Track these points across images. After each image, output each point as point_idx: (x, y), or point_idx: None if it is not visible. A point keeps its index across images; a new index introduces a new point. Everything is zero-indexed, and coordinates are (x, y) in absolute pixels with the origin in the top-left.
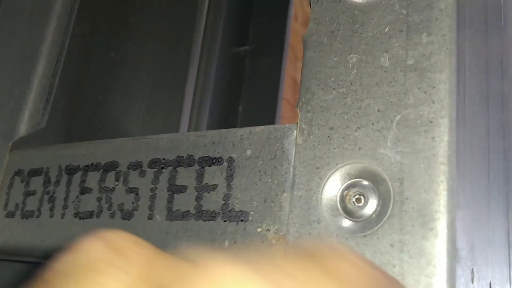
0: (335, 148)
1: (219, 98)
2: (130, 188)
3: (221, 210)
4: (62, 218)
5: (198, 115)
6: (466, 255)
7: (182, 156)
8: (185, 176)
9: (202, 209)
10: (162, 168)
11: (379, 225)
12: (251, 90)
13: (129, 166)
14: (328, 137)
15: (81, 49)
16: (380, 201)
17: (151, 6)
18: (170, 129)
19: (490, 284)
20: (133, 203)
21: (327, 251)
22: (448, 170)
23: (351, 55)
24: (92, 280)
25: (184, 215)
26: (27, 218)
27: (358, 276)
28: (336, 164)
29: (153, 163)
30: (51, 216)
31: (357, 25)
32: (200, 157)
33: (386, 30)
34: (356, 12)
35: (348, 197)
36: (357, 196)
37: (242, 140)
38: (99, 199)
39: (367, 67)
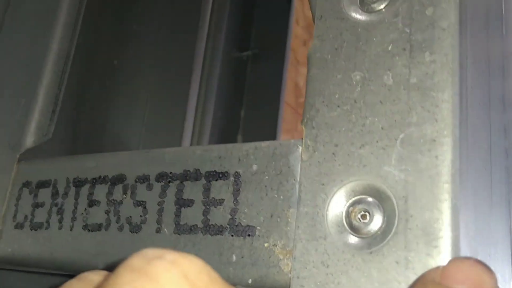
0: (340, 165)
1: (221, 102)
2: (138, 201)
3: (228, 225)
4: (71, 230)
5: (201, 120)
6: None
7: (189, 170)
8: (192, 190)
9: (209, 223)
10: (169, 182)
11: (384, 242)
12: (253, 94)
13: (137, 180)
14: (333, 153)
15: (85, 59)
16: (385, 218)
17: (154, 13)
18: (173, 134)
19: None
20: (141, 216)
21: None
22: (451, 189)
23: (354, 73)
24: None
25: (192, 229)
26: (36, 230)
27: None
28: (341, 180)
29: (160, 176)
30: (60, 228)
31: (360, 43)
32: (206, 171)
33: (389, 48)
34: (359, 29)
35: (353, 214)
36: (362, 213)
37: (248, 155)
38: (107, 212)
39: (371, 84)
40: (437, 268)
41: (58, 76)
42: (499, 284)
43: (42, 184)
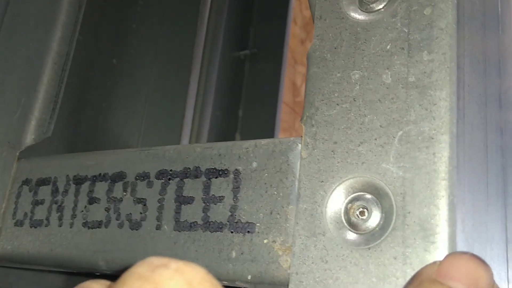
0: (339, 162)
1: (220, 101)
2: (138, 198)
3: (228, 222)
4: (71, 227)
5: (200, 118)
6: None
7: (189, 168)
8: (192, 188)
9: (209, 220)
10: (170, 179)
11: (382, 238)
12: (251, 93)
13: (137, 177)
14: (332, 151)
15: (85, 57)
16: (383, 214)
17: (153, 12)
18: (172, 132)
19: None
20: (141, 213)
21: None
22: (448, 185)
23: (353, 71)
24: None
25: (192, 226)
26: (35, 227)
27: None
28: (340, 177)
29: (161, 174)
30: (60, 225)
31: (359, 42)
32: (206, 168)
33: (388, 47)
34: (358, 29)
35: (352, 210)
36: (361, 209)
37: (248, 153)
38: (107, 209)
39: (370, 83)
40: (434, 263)
41: (58, 74)
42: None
43: (42, 182)
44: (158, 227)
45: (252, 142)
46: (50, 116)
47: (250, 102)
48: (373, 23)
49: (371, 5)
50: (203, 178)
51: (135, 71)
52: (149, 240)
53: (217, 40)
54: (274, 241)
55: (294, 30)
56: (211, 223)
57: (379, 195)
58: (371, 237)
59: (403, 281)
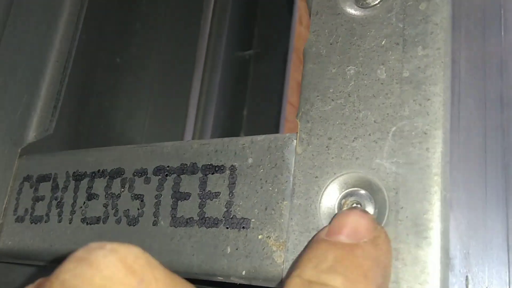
0: (333, 158)
1: (224, 102)
2: (136, 194)
3: (224, 217)
4: (70, 223)
5: (203, 119)
6: (460, 263)
7: (186, 164)
8: (189, 184)
9: (205, 216)
10: (167, 175)
11: None
12: (255, 94)
13: (135, 173)
14: (327, 147)
15: (88, 55)
16: (377, 210)
17: (156, 11)
18: (175, 133)
19: None
20: (138, 209)
21: None
22: (441, 181)
23: (349, 67)
24: None
25: (188, 222)
26: (36, 223)
27: None
28: (334, 173)
29: (158, 170)
30: (59, 221)
31: (355, 38)
32: (203, 165)
33: (383, 43)
34: (354, 25)
35: (345, 206)
36: (355, 205)
37: (244, 149)
38: (105, 205)
39: (364, 79)
40: (326, 226)
41: (60, 72)
42: (494, 280)
43: (43, 178)
44: (155, 223)
45: (248, 138)
46: (51, 114)
47: (254, 103)
48: (369, 19)
49: (367, 1)
50: (200, 174)
51: (138, 70)
52: (146, 235)
53: (220, 40)
54: (268, 237)
55: (299, 30)
56: (207, 218)
57: (373, 190)
58: None
59: (395, 277)
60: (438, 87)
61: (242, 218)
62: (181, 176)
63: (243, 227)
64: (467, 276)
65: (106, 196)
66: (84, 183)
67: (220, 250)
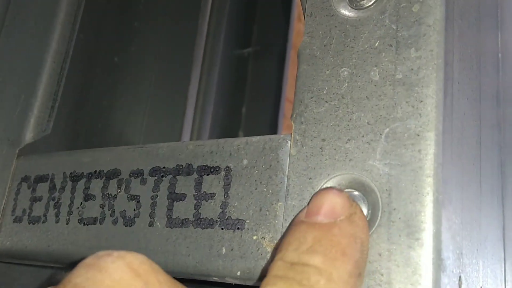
0: (327, 159)
1: (222, 99)
2: (132, 195)
3: (219, 218)
4: (67, 224)
5: (201, 117)
6: (453, 264)
7: (182, 165)
8: (184, 185)
9: (201, 217)
10: (162, 176)
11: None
12: (254, 91)
13: (131, 174)
14: (321, 148)
15: (85, 55)
16: (370, 211)
17: (154, 9)
18: (173, 131)
19: None
20: (134, 210)
21: None
22: (434, 183)
23: (342, 69)
24: None
25: (183, 223)
26: (33, 223)
27: None
28: (328, 174)
29: (154, 171)
30: (57, 221)
31: (348, 39)
32: (198, 166)
33: (376, 44)
34: (348, 26)
35: None
36: None
37: (239, 150)
38: (102, 206)
39: (358, 80)
40: (304, 207)
41: (57, 72)
42: (489, 279)
43: (40, 179)
44: (151, 224)
45: (243, 139)
46: (49, 114)
47: (253, 100)
48: (362, 20)
49: (361, 2)
50: (195, 175)
51: (136, 69)
52: (142, 236)
53: (219, 38)
54: (263, 238)
55: (298, 27)
56: (202, 219)
57: (366, 191)
58: None
59: (387, 278)
60: (430, 89)
61: (237, 219)
62: (176, 177)
63: (238, 228)
64: (460, 277)
65: (103, 197)
66: (81, 183)
67: (215, 251)
